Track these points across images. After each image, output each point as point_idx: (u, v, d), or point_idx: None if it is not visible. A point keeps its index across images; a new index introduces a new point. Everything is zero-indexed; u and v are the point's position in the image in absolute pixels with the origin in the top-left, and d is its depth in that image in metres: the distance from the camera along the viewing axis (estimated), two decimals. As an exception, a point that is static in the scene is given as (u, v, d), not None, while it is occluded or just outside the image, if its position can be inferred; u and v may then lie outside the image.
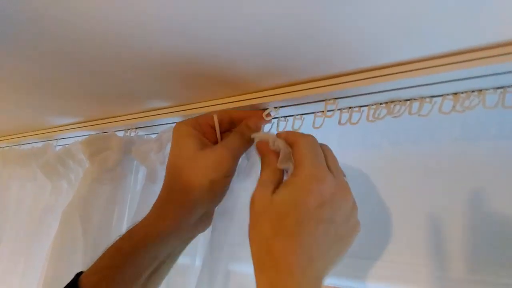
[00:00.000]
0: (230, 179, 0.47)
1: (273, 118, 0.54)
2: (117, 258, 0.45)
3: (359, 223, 0.40)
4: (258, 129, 0.49)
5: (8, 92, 0.68)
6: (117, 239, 0.46)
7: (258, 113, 0.50)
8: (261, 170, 0.42)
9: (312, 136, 0.41)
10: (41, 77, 0.59)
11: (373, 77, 0.44)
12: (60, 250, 0.65)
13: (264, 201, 0.37)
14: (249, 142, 0.47)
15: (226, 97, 0.56)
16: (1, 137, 0.96)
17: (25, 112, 0.78)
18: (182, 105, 0.62)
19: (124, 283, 0.44)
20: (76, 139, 0.78)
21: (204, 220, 0.49)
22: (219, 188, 0.46)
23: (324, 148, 0.42)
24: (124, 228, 0.68)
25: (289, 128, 0.56)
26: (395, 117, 0.47)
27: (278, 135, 0.43)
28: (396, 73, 0.42)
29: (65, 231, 0.64)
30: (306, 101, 0.51)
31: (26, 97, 0.69)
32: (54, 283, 0.64)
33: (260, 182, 0.39)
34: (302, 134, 0.42)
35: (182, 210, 0.45)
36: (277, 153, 0.42)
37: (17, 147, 0.93)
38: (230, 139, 0.47)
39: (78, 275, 0.45)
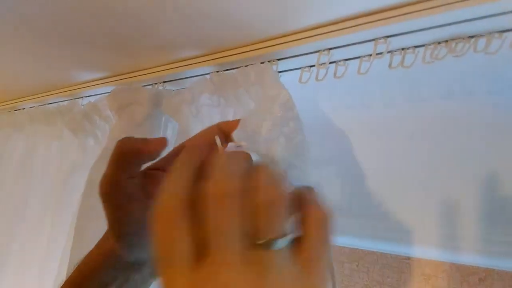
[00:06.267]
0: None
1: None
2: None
3: None
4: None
5: (32, 44, 0.68)
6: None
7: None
8: None
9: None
10: (66, 26, 0.59)
11: (429, 8, 0.40)
12: (88, 209, 0.66)
13: None
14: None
15: (269, 40, 0.54)
16: (27, 96, 0.98)
17: (50, 67, 0.78)
18: (215, 53, 0.60)
19: None
20: (102, 96, 0.78)
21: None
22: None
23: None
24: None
25: (330, 76, 0.53)
26: (456, 56, 0.43)
27: None
28: (459, 1, 0.38)
29: (93, 187, 0.65)
30: (352, 42, 0.48)
31: (51, 49, 0.69)
32: (83, 243, 0.65)
33: None
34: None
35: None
36: None
37: (42, 106, 0.95)
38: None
39: None
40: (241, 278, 0.22)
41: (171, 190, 0.25)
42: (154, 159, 0.37)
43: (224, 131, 0.38)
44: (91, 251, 0.39)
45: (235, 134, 0.37)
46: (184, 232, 0.23)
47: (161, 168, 0.39)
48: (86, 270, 0.38)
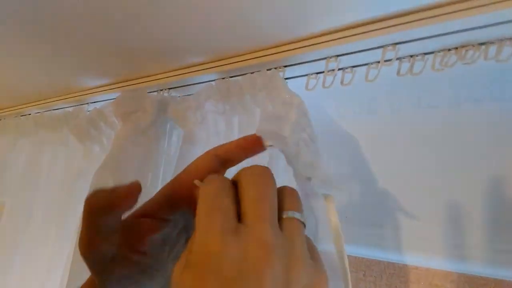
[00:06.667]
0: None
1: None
2: None
3: None
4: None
5: (38, 50, 0.68)
6: None
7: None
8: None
9: (212, 182, 0.29)
10: (72, 33, 0.59)
11: (440, 15, 0.40)
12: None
13: (175, 279, 0.27)
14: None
15: (276, 47, 0.54)
16: (33, 102, 0.98)
17: (56, 73, 0.78)
18: (221, 59, 0.59)
19: None
20: (107, 102, 0.78)
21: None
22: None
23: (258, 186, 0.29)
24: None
25: (337, 83, 0.52)
26: (466, 63, 0.43)
27: None
28: (470, 8, 0.38)
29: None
30: (360, 49, 0.48)
31: (58, 55, 0.69)
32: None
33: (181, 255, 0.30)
34: (206, 179, 0.30)
35: None
36: None
37: (48, 112, 0.95)
38: None
39: None
40: (275, 239, 0.25)
41: (217, 178, 0.30)
42: (130, 208, 0.33)
43: (222, 157, 0.35)
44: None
45: (259, 131, 0.36)
46: (230, 202, 0.27)
47: (149, 215, 0.35)
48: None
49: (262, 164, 0.31)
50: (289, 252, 0.26)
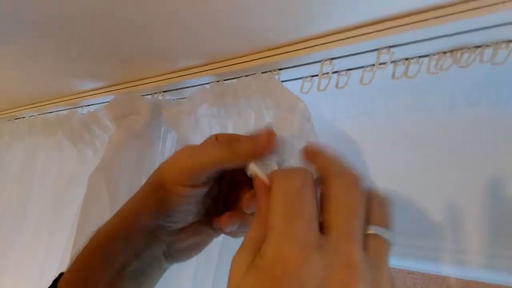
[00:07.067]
0: (183, 197, 0.35)
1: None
2: (87, 257, 0.37)
3: None
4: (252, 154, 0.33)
5: (33, 53, 0.68)
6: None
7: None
8: (252, 222, 0.29)
9: (295, 175, 0.27)
10: (66, 36, 0.58)
11: (435, 18, 0.39)
12: (87, 217, 0.65)
13: (236, 278, 0.26)
14: (231, 160, 0.33)
15: (270, 50, 0.53)
16: (28, 105, 0.97)
17: (50, 76, 0.77)
18: (215, 62, 0.59)
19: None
20: (101, 105, 0.78)
21: (158, 243, 0.37)
22: (164, 196, 0.35)
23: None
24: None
25: (331, 86, 0.52)
26: (462, 67, 0.42)
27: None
28: (466, 11, 0.37)
29: (92, 196, 0.64)
30: (354, 52, 0.47)
31: (52, 58, 0.69)
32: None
33: (243, 242, 0.28)
34: (281, 173, 0.28)
35: (128, 206, 0.37)
36: None
37: (42, 115, 0.94)
38: (208, 144, 0.35)
39: (60, 275, 0.39)
40: (363, 262, 0.23)
41: (300, 172, 0.26)
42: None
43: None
44: (108, 221, 0.37)
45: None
46: (314, 208, 0.25)
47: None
48: (101, 236, 0.36)
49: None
50: (376, 277, 0.23)
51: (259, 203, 0.29)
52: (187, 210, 0.36)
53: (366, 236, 0.25)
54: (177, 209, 0.35)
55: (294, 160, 0.34)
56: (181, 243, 0.38)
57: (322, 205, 0.26)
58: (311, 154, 0.30)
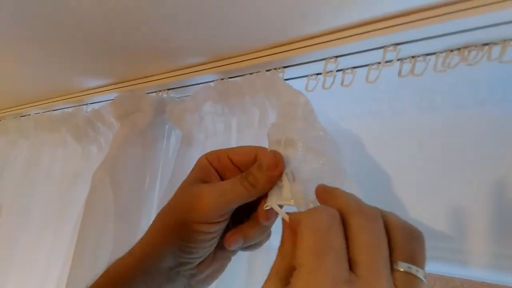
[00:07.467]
0: (208, 233, 0.36)
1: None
2: None
3: None
4: (271, 181, 0.35)
5: (38, 51, 0.68)
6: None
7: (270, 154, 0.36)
8: (276, 255, 0.30)
9: (323, 212, 0.27)
10: (71, 34, 0.58)
11: (442, 15, 0.39)
12: (90, 215, 0.65)
13: None
14: (252, 191, 0.35)
15: (275, 47, 0.53)
16: (33, 103, 0.97)
17: (56, 74, 0.78)
18: (219, 60, 0.59)
19: None
20: (105, 103, 0.78)
21: (179, 279, 0.37)
22: (186, 235, 0.35)
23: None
24: (155, 195, 0.67)
25: (336, 84, 0.51)
26: (469, 64, 0.42)
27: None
28: (473, 8, 0.37)
29: (96, 193, 0.64)
30: (360, 50, 0.47)
31: (57, 56, 0.69)
32: (86, 250, 0.64)
33: (269, 274, 0.29)
34: (309, 210, 0.28)
35: (146, 247, 0.37)
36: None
37: (47, 113, 0.95)
38: (229, 181, 0.36)
39: None
40: None
41: (327, 209, 0.27)
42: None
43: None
44: (121, 257, 0.37)
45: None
46: (343, 243, 0.25)
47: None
48: (115, 276, 0.36)
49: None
50: None
51: (283, 235, 0.30)
52: (209, 246, 0.37)
53: (396, 272, 0.24)
54: (200, 245, 0.36)
55: (300, 155, 0.35)
56: (201, 274, 0.38)
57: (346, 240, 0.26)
58: (325, 193, 0.30)
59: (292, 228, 0.29)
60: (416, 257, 0.25)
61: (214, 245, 0.37)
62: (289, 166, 0.35)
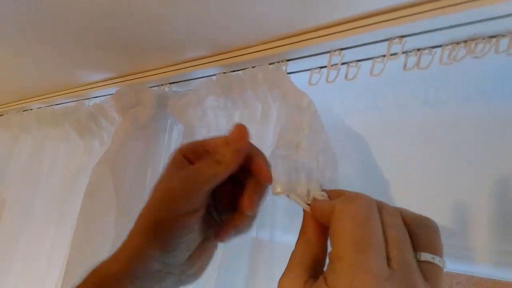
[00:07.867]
0: (185, 228, 0.34)
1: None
2: None
3: None
4: (238, 155, 0.34)
5: (40, 46, 0.67)
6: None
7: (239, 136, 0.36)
8: (296, 245, 0.30)
9: (361, 200, 0.27)
10: (73, 28, 0.58)
11: (448, 6, 0.38)
12: (90, 209, 0.65)
13: None
14: (219, 168, 0.34)
15: (278, 40, 0.52)
16: (36, 97, 0.97)
17: (58, 68, 0.77)
18: (222, 53, 0.58)
19: None
20: (107, 97, 0.78)
21: (169, 277, 0.36)
22: (166, 235, 0.34)
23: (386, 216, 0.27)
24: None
25: (340, 78, 0.51)
26: (476, 57, 0.41)
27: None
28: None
29: (96, 187, 0.64)
30: (364, 42, 0.46)
31: (59, 50, 0.68)
32: (85, 245, 0.63)
33: (289, 265, 0.29)
34: (345, 197, 0.28)
35: (130, 253, 0.35)
36: (322, 226, 0.30)
37: (50, 107, 0.95)
38: (195, 165, 0.35)
39: None
40: (423, 286, 0.24)
41: (365, 197, 0.27)
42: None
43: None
44: (103, 263, 0.35)
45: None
46: (382, 237, 0.25)
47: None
48: (103, 277, 0.34)
49: None
50: None
51: (303, 224, 0.30)
52: (192, 239, 0.35)
53: (420, 263, 0.25)
54: (182, 240, 0.35)
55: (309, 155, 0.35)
56: (191, 269, 0.37)
57: None
58: (341, 193, 0.30)
59: (317, 215, 0.29)
60: (436, 247, 0.26)
61: (198, 239, 0.36)
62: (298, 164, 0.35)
